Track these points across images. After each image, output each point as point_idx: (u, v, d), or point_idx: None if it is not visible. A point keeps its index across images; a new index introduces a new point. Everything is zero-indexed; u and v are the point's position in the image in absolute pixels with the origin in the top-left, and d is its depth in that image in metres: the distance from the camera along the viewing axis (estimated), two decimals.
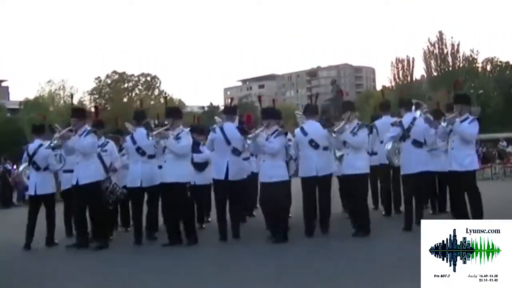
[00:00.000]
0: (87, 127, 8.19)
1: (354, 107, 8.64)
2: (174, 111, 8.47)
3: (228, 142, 8.37)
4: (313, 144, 8.22)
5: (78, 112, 8.46)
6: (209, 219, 10.34)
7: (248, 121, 10.75)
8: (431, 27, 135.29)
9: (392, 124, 8.59)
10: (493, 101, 51.65)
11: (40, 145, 8.55)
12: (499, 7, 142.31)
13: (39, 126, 8.98)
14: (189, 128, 9.44)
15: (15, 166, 23.02)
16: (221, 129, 8.45)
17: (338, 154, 8.46)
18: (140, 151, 8.37)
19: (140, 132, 8.46)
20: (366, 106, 47.62)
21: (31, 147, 8.63)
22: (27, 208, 9.02)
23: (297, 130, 8.53)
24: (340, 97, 21.56)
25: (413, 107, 8.39)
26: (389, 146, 8.48)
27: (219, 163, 8.43)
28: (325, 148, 8.25)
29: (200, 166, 9.41)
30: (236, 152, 8.42)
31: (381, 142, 9.30)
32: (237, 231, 8.34)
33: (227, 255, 7.61)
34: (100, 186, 8.19)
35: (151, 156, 8.40)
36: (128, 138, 8.70)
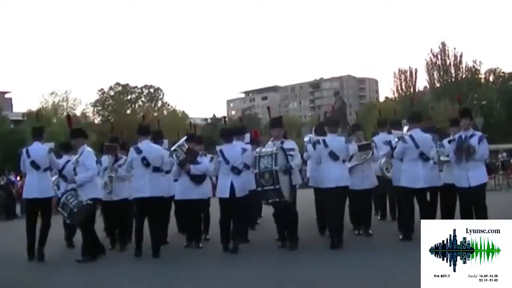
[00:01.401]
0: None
1: (335, 123, 8.77)
2: (139, 128, 8.59)
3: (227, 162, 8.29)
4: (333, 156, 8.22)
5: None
6: (208, 237, 9.58)
7: (255, 136, 10.56)
8: (434, 38, 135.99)
9: (384, 143, 9.24)
10: (496, 112, 51.63)
11: (68, 161, 9.25)
12: (502, 18, 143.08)
13: (66, 144, 9.94)
14: (185, 137, 9.32)
15: (18, 178, 23.06)
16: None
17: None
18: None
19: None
20: (369, 118, 47.65)
21: (60, 162, 9.44)
22: None
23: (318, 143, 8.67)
24: (344, 108, 21.71)
25: (407, 127, 8.86)
26: (381, 162, 9.56)
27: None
28: (344, 161, 8.26)
29: (198, 179, 8.86)
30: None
31: None
32: (236, 248, 8.14)
33: (227, 269, 7.31)
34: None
35: (161, 170, 8.49)
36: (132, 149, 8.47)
